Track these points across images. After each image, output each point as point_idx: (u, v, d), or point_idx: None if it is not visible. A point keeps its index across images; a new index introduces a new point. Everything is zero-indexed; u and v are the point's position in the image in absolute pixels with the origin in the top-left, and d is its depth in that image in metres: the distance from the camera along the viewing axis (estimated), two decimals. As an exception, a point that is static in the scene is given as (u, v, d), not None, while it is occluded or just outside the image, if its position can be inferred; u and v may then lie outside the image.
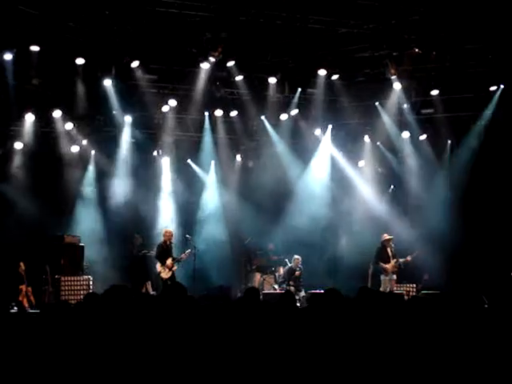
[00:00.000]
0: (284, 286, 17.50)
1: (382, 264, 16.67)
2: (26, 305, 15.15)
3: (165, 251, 16.84)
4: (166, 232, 17.08)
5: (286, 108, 18.79)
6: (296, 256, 17.73)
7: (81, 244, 17.35)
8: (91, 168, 18.60)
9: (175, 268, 16.71)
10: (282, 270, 18.45)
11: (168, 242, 16.92)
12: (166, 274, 16.64)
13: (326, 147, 19.92)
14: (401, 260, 16.80)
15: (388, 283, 16.45)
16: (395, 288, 16.75)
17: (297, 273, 17.55)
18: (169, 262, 16.68)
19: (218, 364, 4.31)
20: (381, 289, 16.10)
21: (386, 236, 17.10)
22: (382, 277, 16.62)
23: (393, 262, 16.67)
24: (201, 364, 4.28)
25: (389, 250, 16.78)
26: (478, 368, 4.65)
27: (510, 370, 4.65)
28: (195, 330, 4.58)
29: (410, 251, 17.16)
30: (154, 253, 17.49)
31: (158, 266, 16.73)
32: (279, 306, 5.08)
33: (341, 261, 19.12)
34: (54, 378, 4.38)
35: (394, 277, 16.72)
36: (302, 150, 19.86)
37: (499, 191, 18.15)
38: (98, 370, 4.37)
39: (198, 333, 4.57)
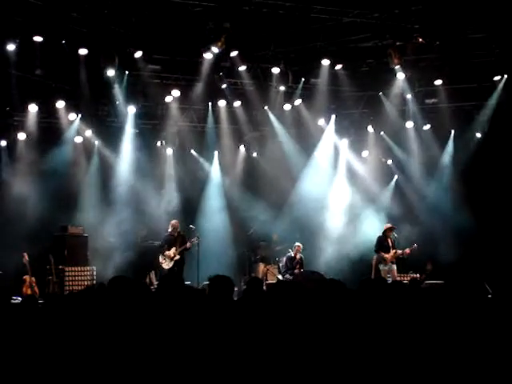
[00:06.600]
0: (287, 275, 17.51)
1: (382, 253, 16.72)
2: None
3: (169, 242, 16.91)
4: (173, 224, 17.14)
5: (289, 98, 18.77)
6: (297, 243, 17.78)
7: (85, 235, 17.40)
8: (95, 159, 18.60)
9: (177, 258, 16.76)
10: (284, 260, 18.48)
11: (175, 234, 16.98)
12: (166, 265, 16.70)
13: (329, 137, 19.90)
14: (399, 251, 16.83)
15: (387, 273, 16.47)
16: (398, 278, 16.77)
17: (297, 259, 17.60)
18: (171, 252, 16.73)
19: (218, 354, 4.32)
20: None
21: (389, 225, 17.13)
22: (381, 266, 16.69)
23: (392, 252, 16.72)
24: (199, 354, 4.29)
25: (389, 239, 16.84)
26: (478, 359, 4.66)
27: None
28: (193, 319, 4.58)
29: (410, 243, 17.19)
30: (158, 243, 17.48)
31: (160, 257, 16.79)
32: (281, 296, 5.08)
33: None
34: (54, 366, 4.39)
35: (394, 267, 16.76)
36: (306, 139, 19.82)
37: (504, 181, 18.12)
38: (98, 360, 4.39)
39: (196, 322, 4.57)
